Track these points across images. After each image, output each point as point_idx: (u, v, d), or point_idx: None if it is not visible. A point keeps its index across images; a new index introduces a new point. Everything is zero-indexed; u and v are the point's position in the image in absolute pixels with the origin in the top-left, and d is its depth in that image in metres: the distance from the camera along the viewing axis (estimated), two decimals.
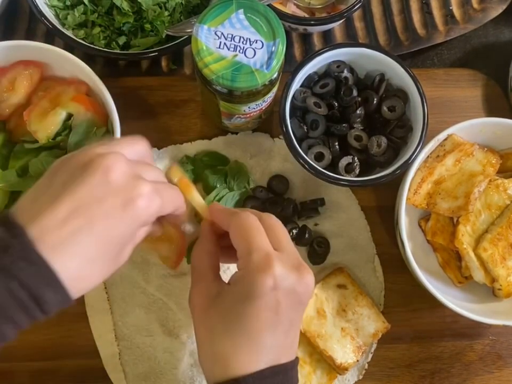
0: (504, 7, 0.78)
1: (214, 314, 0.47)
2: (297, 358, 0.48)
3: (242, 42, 0.53)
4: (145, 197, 0.42)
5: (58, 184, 0.41)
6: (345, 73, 0.65)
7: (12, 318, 0.37)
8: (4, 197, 0.61)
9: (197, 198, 0.61)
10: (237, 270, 0.48)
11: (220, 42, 0.53)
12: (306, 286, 0.47)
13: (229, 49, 0.53)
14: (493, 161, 0.65)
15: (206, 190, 0.67)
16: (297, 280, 0.46)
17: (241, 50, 0.53)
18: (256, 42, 0.53)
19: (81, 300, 0.65)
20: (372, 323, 0.64)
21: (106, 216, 0.40)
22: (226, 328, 0.45)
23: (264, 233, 0.48)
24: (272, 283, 0.45)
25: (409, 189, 0.64)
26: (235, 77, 0.52)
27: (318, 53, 0.64)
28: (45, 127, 0.61)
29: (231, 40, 0.53)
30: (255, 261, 0.46)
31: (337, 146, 0.64)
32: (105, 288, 0.65)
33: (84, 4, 0.69)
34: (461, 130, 0.65)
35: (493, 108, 0.74)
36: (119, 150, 0.43)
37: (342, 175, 0.63)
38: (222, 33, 0.53)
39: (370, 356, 0.66)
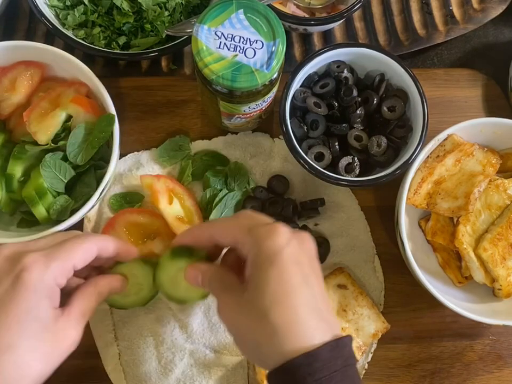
0: (504, 7, 0.78)
1: (245, 310, 0.45)
2: (349, 336, 0.47)
3: (242, 42, 0.53)
4: (31, 267, 0.43)
5: None
6: (345, 73, 0.65)
7: None
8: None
9: (165, 210, 0.63)
10: None
11: (220, 42, 0.53)
12: (309, 241, 0.49)
13: (229, 49, 0.53)
14: (493, 161, 0.65)
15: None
16: (299, 236, 0.47)
17: (241, 50, 0.53)
18: (256, 42, 0.53)
19: None
20: (371, 323, 0.64)
21: (3, 301, 0.43)
22: (265, 312, 0.43)
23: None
24: (284, 239, 0.45)
25: (409, 189, 0.64)
26: (235, 77, 0.52)
27: (318, 53, 0.64)
28: (45, 128, 0.61)
29: (231, 40, 0.53)
30: (258, 235, 0.46)
31: (337, 146, 0.64)
32: None
33: (84, 4, 0.69)
34: (461, 130, 0.65)
35: (493, 108, 0.74)
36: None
37: (342, 175, 0.63)
38: (222, 33, 0.53)
39: (370, 355, 0.66)
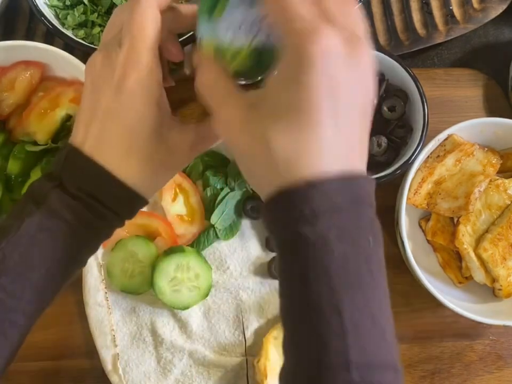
0: (504, 7, 0.78)
1: (258, 117, 0.37)
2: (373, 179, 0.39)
3: None
4: (128, 71, 0.40)
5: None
6: None
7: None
8: None
9: (166, 207, 0.65)
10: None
11: None
12: (364, 60, 0.39)
13: None
14: (493, 161, 0.65)
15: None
16: (350, 52, 0.37)
17: None
18: None
19: (80, 300, 0.65)
20: None
21: (112, 110, 0.41)
22: (275, 126, 0.36)
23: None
24: (320, 49, 0.35)
25: (409, 189, 0.64)
26: None
27: None
28: (44, 128, 0.61)
29: None
30: (295, 31, 0.36)
31: None
32: (105, 288, 0.65)
33: (84, 3, 0.69)
34: (461, 130, 0.65)
35: (493, 108, 0.74)
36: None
37: None
38: None
39: None
